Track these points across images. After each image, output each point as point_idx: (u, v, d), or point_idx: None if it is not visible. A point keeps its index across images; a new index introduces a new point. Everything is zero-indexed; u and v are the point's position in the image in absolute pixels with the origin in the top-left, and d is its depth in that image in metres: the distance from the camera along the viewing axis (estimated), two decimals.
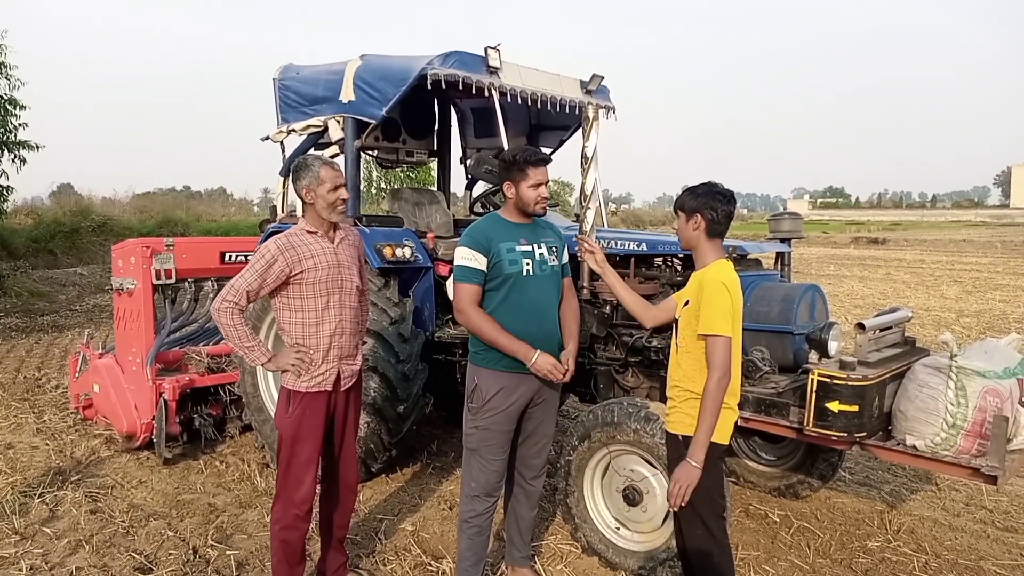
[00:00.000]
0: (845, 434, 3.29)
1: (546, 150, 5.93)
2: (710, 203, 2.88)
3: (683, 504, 2.81)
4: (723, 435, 2.91)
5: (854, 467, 5.31)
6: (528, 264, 3.26)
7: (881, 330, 3.70)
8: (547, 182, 3.30)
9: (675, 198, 3.09)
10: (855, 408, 3.25)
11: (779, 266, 4.68)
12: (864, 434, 3.32)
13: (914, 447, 3.28)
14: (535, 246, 3.30)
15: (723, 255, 2.98)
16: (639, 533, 3.73)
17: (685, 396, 2.92)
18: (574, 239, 3.58)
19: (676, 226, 3.04)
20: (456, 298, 3.28)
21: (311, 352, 3.32)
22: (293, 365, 3.30)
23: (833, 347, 3.53)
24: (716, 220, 2.89)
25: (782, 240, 4.64)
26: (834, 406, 3.27)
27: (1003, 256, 25.59)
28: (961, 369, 3.23)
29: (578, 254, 3.50)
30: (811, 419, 3.34)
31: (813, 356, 3.52)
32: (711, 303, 2.78)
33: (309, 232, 3.33)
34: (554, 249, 3.39)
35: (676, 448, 2.96)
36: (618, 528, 3.80)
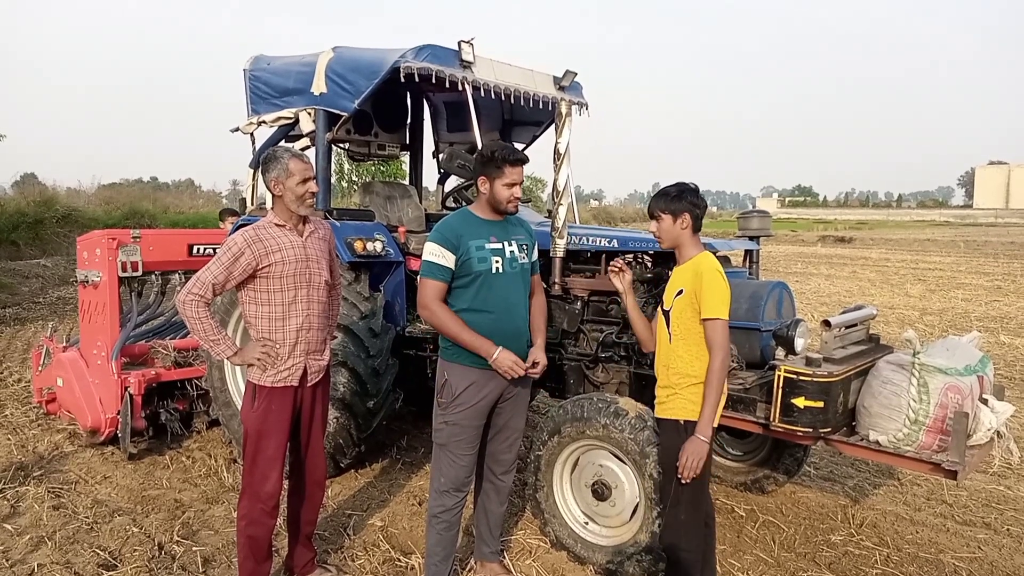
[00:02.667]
0: (810, 429, 3.35)
1: (519, 145, 5.94)
2: (692, 200, 3.09)
3: (695, 476, 3.00)
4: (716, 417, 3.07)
5: (819, 462, 5.39)
6: (498, 262, 3.25)
7: (847, 327, 3.76)
8: (521, 182, 3.30)
9: (649, 202, 3.20)
10: (820, 404, 3.31)
11: (747, 263, 4.73)
12: (829, 430, 3.37)
13: (877, 443, 3.35)
14: (505, 243, 3.30)
15: (703, 247, 3.16)
16: (607, 528, 3.75)
17: (688, 382, 3.05)
18: (609, 268, 3.50)
19: (655, 228, 3.17)
20: (420, 293, 3.27)
21: (277, 346, 3.29)
22: (259, 359, 3.27)
23: (799, 344, 3.58)
24: (699, 216, 3.11)
25: (751, 238, 4.68)
26: (800, 402, 3.33)
27: (966, 256, 26.09)
28: (923, 366, 3.29)
29: (609, 273, 3.50)
30: (777, 415, 3.39)
31: (780, 353, 3.58)
32: (711, 289, 2.97)
33: (278, 225, 3.30)
34: (524, 246, 3.39)
35: (676, 434, 3.08)
36: (586, 523, 3.82)
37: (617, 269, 3.45)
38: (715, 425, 3.07)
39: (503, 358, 3.20)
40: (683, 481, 3.02)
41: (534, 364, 3.33)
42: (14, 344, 9.45)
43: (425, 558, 3.52)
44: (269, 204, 3.44)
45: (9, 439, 5.70)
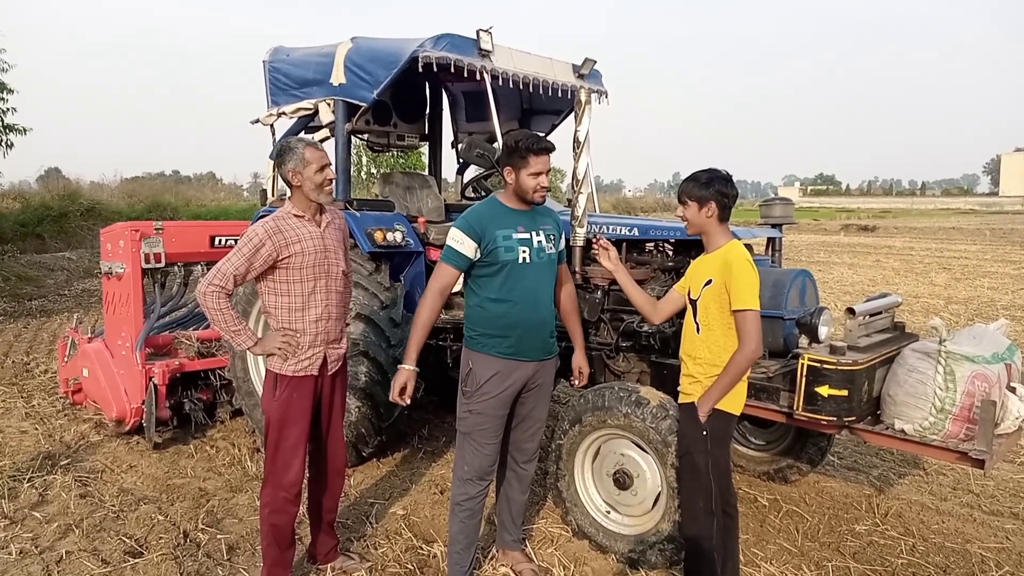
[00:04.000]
0: (834, 418, 3.32)
1: (545, 138, 5.91)
2: (720, 189, 3.03)
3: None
4: (736, 406, 3.08)
5: (843, 451, 5.34)
6: (525, 252, 3.24)
7: (871, 315, 3.72)
8: (548, 171, 3.27)
9: (678, 187, 3.17)
10: (844, 392, 3.28)
11: (770, 252, 4.69)
12: (853, 418, 3.34)
13: (903, 431, 3.31)
14: (533, 233, 3.28)
15: (732, 236, 3.12)
16: (629, 516, 3.75)
17: (711, 372, 3.05)
18: (593, 241, 3.58)
19: (682, 214, 3.13)
20: (433, 275, 3.31)
21: (297, 336, 3.31)
22: (280, 349, 3.29)
23: (823, 332, 3.54)
24: (727, 205, 3.06)
25: (773, 226, 4.64)
26: (824, 390, 3.29)
27: (991, 244, 25.71)
28: (950, 354, 3.25)
29: (593, 252, 3.53)
30: (801, 403, 3.37)
31: (803, 341, 3.54)
32: (741, 279, 2.93)
33: (296, 216, 3.31)
34: (552, 236, 3.38)
35: (694, 419, 3.09)
36: (608, 512, 3.81)
37: (601, 247, 3.45)
38: (733, 413, 3.05)
39: (399, 376, 3.23)
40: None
41: (580, 373, 3.55)
42: (40, 336, 9.59)
43: (447, 546, 3.53)
44: (288, 195, 3.45)
45: (37, 429, 5.78)
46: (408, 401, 3.26)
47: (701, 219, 3.07)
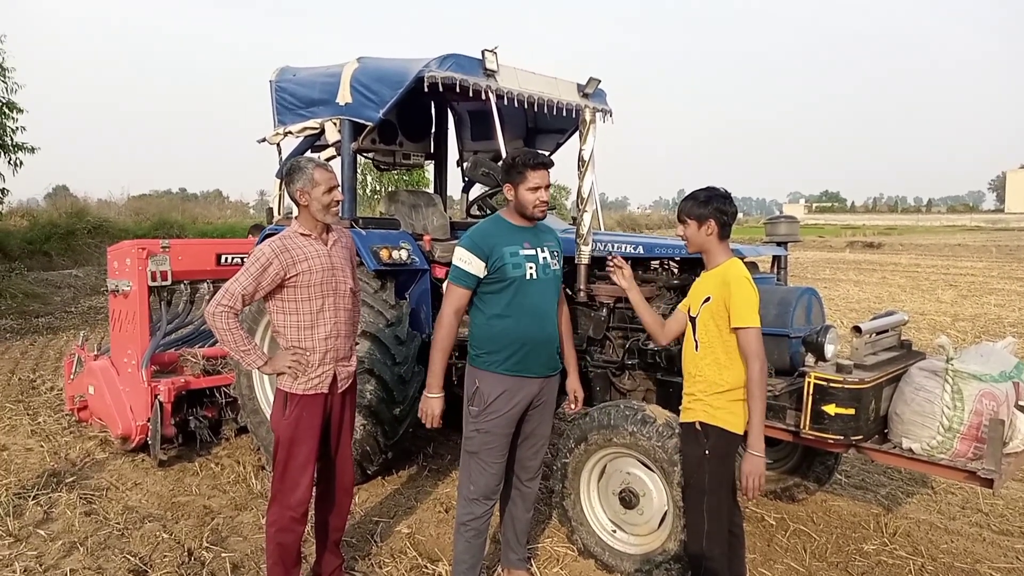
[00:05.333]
0: (841, 437, 3.30)
1: (543, 153, 5.94)
2: (719, 207, 3.04)
3: (755, 489, 3.00)
4: (739, 425, 3.05)
5: (850, 470, 5.31)
6: (531, 268, 3.25)
7: (877, 333, 3.71)
8: (548, 186, 3.29)
9: (677, 205, 3.18)
10: (851, 411, 3.26)
11: (775, 269, 4.68)
12: (860, 437, 3.32)
13: (910, 450, 3.29)
14: (538, 250, 3.30)
15: (732, 254, 3.13)
16: (635, 536, 3.73)
17: (713, 390, 3.03)
18: (607, 260, 3.58)
19: (682, 232, 3.14)
20: (444, 299, 3.33)
21: (307, 354, 3.32)
22: (290, 368, 3.29)
23: (830, 350, 3.53)
24: (727, 223, 3.06)
25: (778, 243, 4.64)
26: (831, 409, 3.28)
27: (998, 261, 25.64)
28: (957, 372, 3.23)
29: (608, 270, 3.52)
30: (807, 422, 3.35)
31: (809, 359, 3.53)
32: (740, 297, 2.93)
33: (303, 235, 3.33)
34: (555, 253, 3.39)
35: (694, 437, 3.08)
36: (614, 531, 3.79)
37: (615, 266, 3.45)
38: (740, 433, 3.03)
39: (424, 404, 3.32)
40: (750, 498, 3.01)
41: (575, 399, 3.56)
42: (47, 353, 9.62)
43: (452, 565, 3.51)
44: (295, 214, 3.47)
45: (42, 446, 5.79)
46: (439, 424, 3.32)
47: (701, 237, 3.08)
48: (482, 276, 3.22)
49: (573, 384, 3.57)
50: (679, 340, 3.54)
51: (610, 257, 3.57)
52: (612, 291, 4.36)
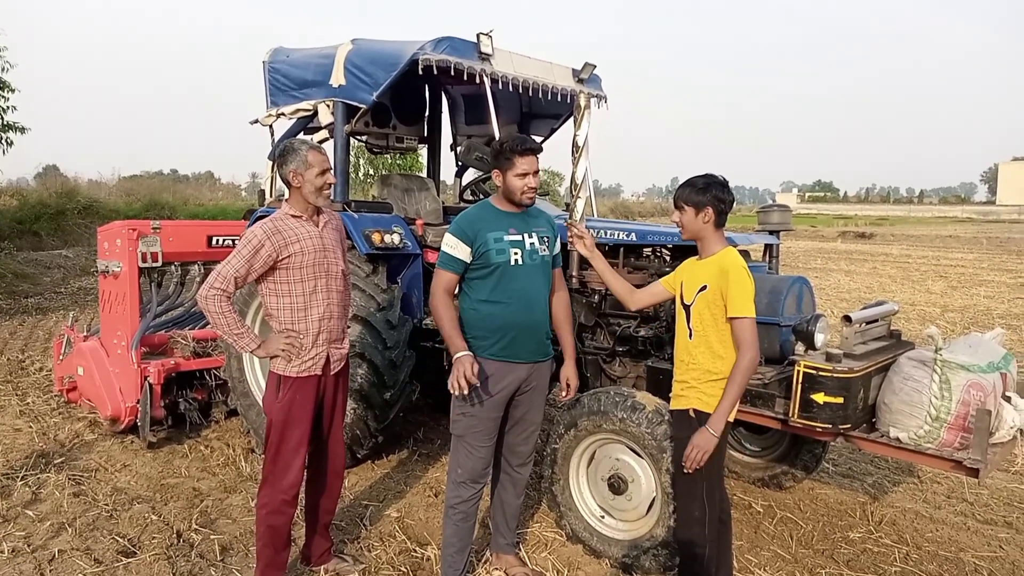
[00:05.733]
0: (830, 425, 3.32)
1: (537, 138, 5.91)
2: (717, 195, 3.03)
3: (698, 467, 2.98)
4: (731, 413, 3.05)
5: (837, 459, 5.35)
6: (517, 254, 3.24)
7: (867, 323, 3.72)
8: (536, 171, 3.28)
9: (674, 192, 3.17)
10: (840, 400, 3.28)
11: (767, 258, 4.69)
12: (848, 426, 3.34)
13: (898, 439, 3.31)
14: (525, 235, 3.29)
15: (727, 243, 3.12)
16: (623, 522, 3.74)
17: (706, 378, 3.03)
18: (565, 224, 3.59)
19: (678, 219, 3.12)
20: (433, 282, 3.32)
21: (301, 337, 3.31)
22: (284, 350, 3.28)
23: (820, 339, 3.54)
24: (723, 211, 3.05)
25: (771, 232, 4.65)
26: (819, 397, 3.29)
27: (988, 252, 25.76)
28: (946, 363, 3.25)
29: (568, 241, 3.51)
30: (796, 410, 3.37)
31: (799, 348, 3.54)
32: (737, 287, 2.93)
33: (294, 216, 3.32)
34: (545, 239, 3.38)
35: (687, 424, 3.07)
36: (603, 516, 3.81)
37: (576, 235, 3.45)
38: (730, 420, 3.05)
39: (460, 365, 3.13)
40: (685, 470, 3.01)
41: (567, 385, 3.46)
42: (36, 333, 9.57)
43: (441, 549, 3.53)
44: (286, 196, 3.45)
45: (31, 427, 5.77)
46: (477, 381, 3.17)
47: (697, 225, 3.07)
48: (468, 261, 3.22)
49: (568, 372, 3.51)
50: (668, 326, 3.55)
51: (568, 223, 3.55)
52: None
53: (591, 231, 4.29)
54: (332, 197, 3.51)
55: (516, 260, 3.24)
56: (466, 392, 3.13)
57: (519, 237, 3.27)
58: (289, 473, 3.36)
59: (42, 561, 3.74)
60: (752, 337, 2.94)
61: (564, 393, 3.55)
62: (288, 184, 3.32)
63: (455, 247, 3.22)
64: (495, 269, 3.22)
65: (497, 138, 4.77)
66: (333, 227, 3.48)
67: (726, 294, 2.95)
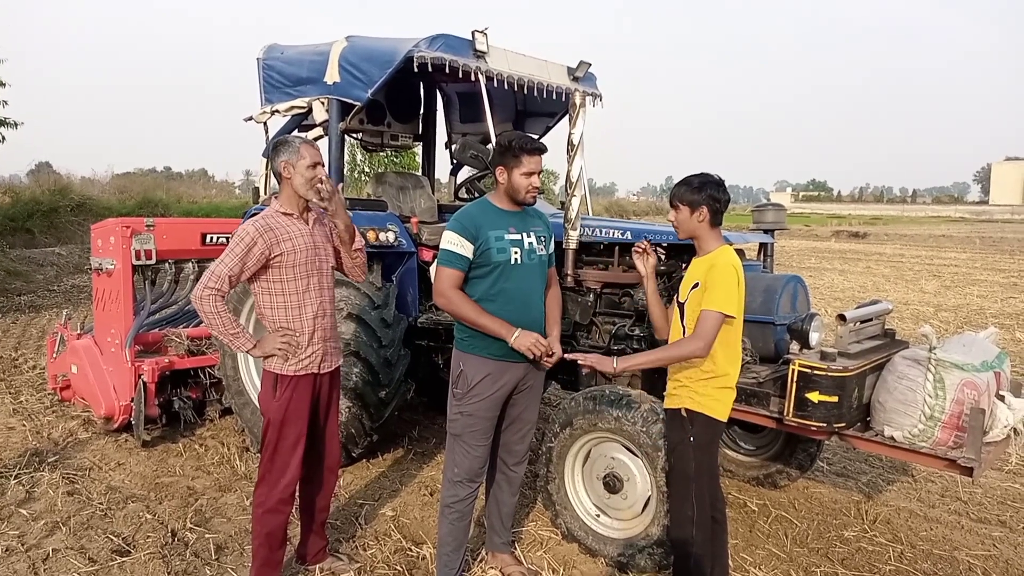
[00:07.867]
0: (824, 424, 3.32)
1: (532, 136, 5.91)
2: (712, 194, 3.03)
3: (584, 363, 3.21)
4: (723, 412, 3.06)
5: (832, 457, 5.36)
6: (516, 253, 3.24)
7: (862, 322, 3.73)
8: (540, 171, 3.27)
9: (670, 191, 3.17)
10: (835, 399, 3.28)
11: (762, 257, 4.70)
12: (843, 424, 3.35)
13: (892, 438, 3.32)
14: (524, 234, 3.28)
15: (723, 241, 3.12)
16: (619, 520, 3.75)
17: (699, 376, 3.03)
18: (633, 250, 3.46)
19: (673, 218, 3.12)
20: (436, 281, 3.26)
21: (297, 335, 3.30)
22: (280, 350, 3.28)
23: (814, 338, 3.55)
24: (719, 210, 3.05)
25: (765, 231, 4.65)
26: (814, 396, 3.30)
27: (981, 252, 25.85)
28: (940, 362, 3.26)
29: (632, 256, 3.45)
30: (791, 409, 3.37)
31: (794, 347, 3.55)
32: (718, 282, 2.93)
33: (285, 214, 3.31)
34: (543, 238, 3.37)
35: (679, 425, 3.08)
36: (598, 515, 3.81)
37: (641, 251, 3.40)
38: (718, 418, 3.04)
39: (524, 338, 3.14)
40: (581, 365, 3.20)
41: (550, 354, 3.28)
42: (29, 331, 9.54)
43: (437, 548, 3.52)
44: (277, 193, 3.44)
45: (24, 425, 5.75)
46: (544, 354, 3.18)
47: (692, 223, 3.07)
48: (471, 259, 3.20)
49: (551, 343, 3.31)
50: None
51: (640, 241, 3.45)
52: (599, 276, 4.36)
53: (586, 230, 4.31)
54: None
55: (516, 259, 3.23)
56: (549, 355, 3.23)
57: (519, 236, 3.26)
58: (287, 472, 3.35)
59: (36, 560, 3.72)
60: (711, 333, 2.93)
61: (547, 359, 3.30)
62: (279, 177, 3.31)
63: (459, 244, 3.19)
64: (495, 268, 3.20)
65: (493, 136, 4.77)
66: (323, 224, 3.47)
67: (707, 287, 2.95)
